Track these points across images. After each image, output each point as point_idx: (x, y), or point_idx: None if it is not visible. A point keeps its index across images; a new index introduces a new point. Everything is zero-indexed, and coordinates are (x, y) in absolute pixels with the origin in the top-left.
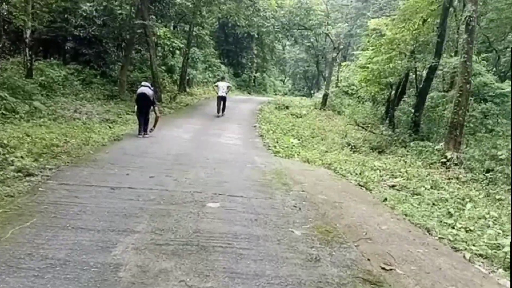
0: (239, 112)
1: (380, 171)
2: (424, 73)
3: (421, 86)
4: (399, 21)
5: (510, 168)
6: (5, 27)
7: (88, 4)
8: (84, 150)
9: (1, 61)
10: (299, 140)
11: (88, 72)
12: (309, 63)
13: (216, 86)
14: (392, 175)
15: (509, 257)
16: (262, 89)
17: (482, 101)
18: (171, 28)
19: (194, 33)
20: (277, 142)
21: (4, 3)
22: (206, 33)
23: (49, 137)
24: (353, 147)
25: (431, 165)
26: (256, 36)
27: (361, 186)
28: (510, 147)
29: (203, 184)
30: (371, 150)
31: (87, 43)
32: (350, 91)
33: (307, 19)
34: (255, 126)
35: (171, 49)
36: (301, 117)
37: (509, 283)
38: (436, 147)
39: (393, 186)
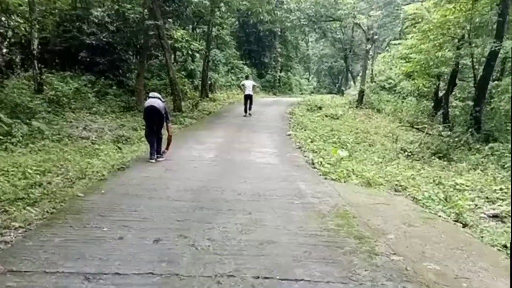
0: (268, 118)
1: (467, 192)
2: (482, 59)
3: (480, 75)
4: (446, 2)
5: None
6: (9, 38)
7: (99, 9)
8: (74, 190)
9: (11, 76)
10: (345, 149)
11: (103, 83)
12: (336, 58)
13: (243, 85)
14: (487, 198)
15: None
16: (288, 89)
17: None
18: (189, 30)
19: (213, 33)
20: (321, 156)
21: (3, 12)
22: (226, 33)
23: (38, 169)
24: (409, 154)
25: None
26: (279, 33)
27: (460, 223)
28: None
29: (235, 254)
30: (433, 157)
31: (101, 51)
32: (387, 86)
33: (335, 9)
34: (289, 134)
35: (189, 52)
36: (338, 118)
37: None
38: None
39: (495, 217)
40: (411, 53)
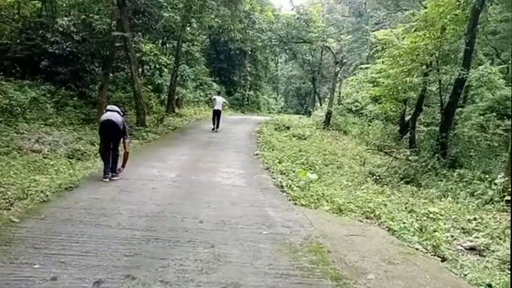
0: (235, 136)
1: (442, 222)
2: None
3: (446, 102)
4: (419, 28)
5: None
6: None
7: (65, 18)
8: (10, 213)
9: None
10: (313, 171)
11: (63, 93)
12: (304, 79)
13: (214, 99)
14: (463, 228)
15: None
16: (256, 107)
17: (505, 117)
18: (159, 44)
19: (183, 49)
20: (290, 178)
21: None
22: (196, 50)
23: None
24: (377, 178)
25: (490, 204)
26: (250, 52)
27: (437, 257)
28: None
29: None
30: (401, 181)
31: (64, 61)
32: (354, 109)
33: (306, 31)
34: (257, 154)
35: (157, 66)
36: (305, 139)
37: None
38: (496, 180)
39: (472, 249)
40: (379, 77)
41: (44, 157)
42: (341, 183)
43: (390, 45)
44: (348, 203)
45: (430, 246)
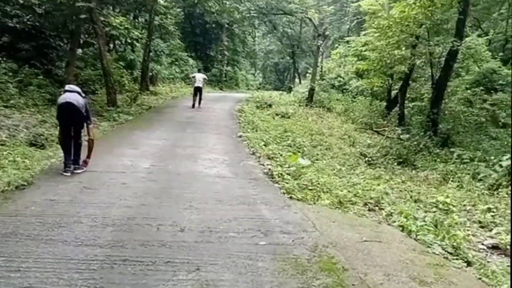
0: (216, 115)
1: (456, 215)
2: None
3: (438, 75)
4: None
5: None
6: None
7: None
8: None
9: None
10: (302, 154)
11: (27, 71)
12: (283, 54)
13: (194, 77)
14: (479, 222)
15: None
16: (234, 83)
17: (492, 91)
18: (131, 18)
19: (156, 22)
20: (279, 163)
21: None
22: (170, 23)
23: None
24: (370, 159)
25: (499, 190)
26: (227, 25)
27: (461, 260)
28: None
29: None
30: (394, 163)
31: (26, 36)
32: (337, 84)
33: (287, 2)
34: (240, 136)
35: (129, 40)
36: (289, 117)
37: None
38: (503, 162)
39: (495, 248)
40: (364, 51)
41: (2, 144)
42: (333, 167)
43: (379, 15)
44: (347, 193)
45: (450, 246)
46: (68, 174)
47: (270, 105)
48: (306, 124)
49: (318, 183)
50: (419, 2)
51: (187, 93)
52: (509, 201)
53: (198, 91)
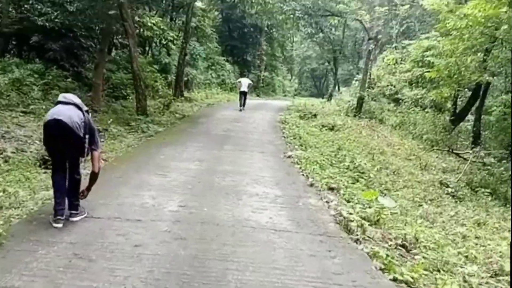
0: (257, 127)
1: None
2: None
3: None
4: None
5: None
6: None
7: None
8: None
9: None
10: (367, 180)
11: (55, 74)
12: (323, 60)
13: (239, 82)
14: None
15: None
16: (271, 89)
17: None
18: (168, 20)
19: (193, 24)
20: (347, 200)
21: None
22: (208, 25)
23: None
24: (453, 192)
25: None
26: (266, 29)
27: None
28: None
29: None
30: (484, 195)
31: (55, 35)
32: (388, 93)
33: (336, 2)
34: (289, 156)
35: (164, 42)
36: (338, 130)
37: None
38: None
39: None
40: (427, 56)
41: (6, 161)
42: (414, 203)
43: (456, 14)
44: (463, 258)
45: None
46: (60, 225)
47: (315, 115)
48: (361, 140)
49: (416, 239)
50: None
51: (223, 99)
52: None
53: (243, 95)
